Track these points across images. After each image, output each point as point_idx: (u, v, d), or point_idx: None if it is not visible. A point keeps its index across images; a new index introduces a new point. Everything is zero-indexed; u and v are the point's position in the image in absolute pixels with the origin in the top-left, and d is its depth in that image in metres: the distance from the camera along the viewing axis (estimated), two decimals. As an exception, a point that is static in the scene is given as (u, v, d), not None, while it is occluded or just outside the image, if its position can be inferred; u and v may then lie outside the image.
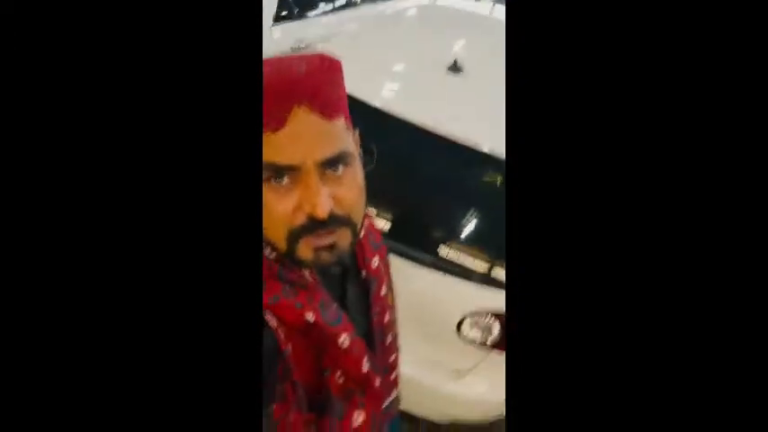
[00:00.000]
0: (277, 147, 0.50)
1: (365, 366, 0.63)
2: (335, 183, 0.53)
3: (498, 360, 1.52)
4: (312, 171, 0.51)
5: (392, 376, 0.77)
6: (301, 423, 0.59)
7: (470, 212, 1.58)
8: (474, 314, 1.45)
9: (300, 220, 0.52)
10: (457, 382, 1.56)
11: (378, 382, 0.65)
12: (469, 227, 1.56)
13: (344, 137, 0.54)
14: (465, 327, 1.46)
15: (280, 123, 0.49)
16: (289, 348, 0.57)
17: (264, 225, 0.54)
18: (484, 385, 1.56)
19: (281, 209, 0.52)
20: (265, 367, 0.54)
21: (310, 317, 0.58)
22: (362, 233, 0.67)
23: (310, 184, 0.51)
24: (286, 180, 0.51)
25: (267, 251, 0.58)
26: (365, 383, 0.63)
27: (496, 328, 1.45)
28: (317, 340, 0.59)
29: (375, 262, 0.70)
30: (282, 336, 0.57)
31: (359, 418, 0.63)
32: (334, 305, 0.61)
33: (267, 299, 0.56)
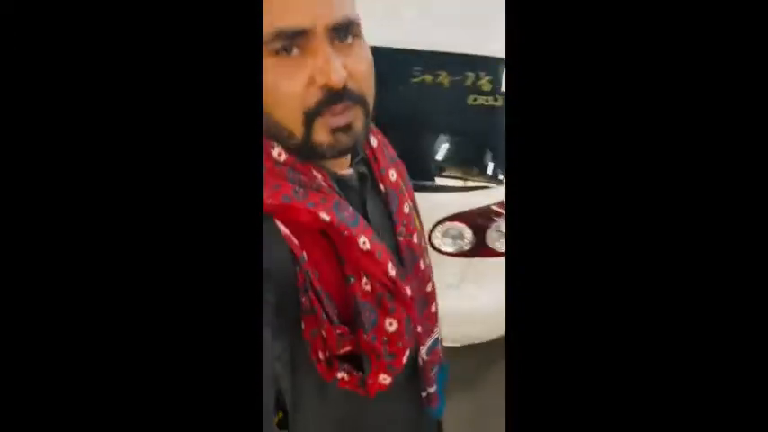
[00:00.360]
0: (285, 8, 0.48)
1: (391, 270, 0.58)
2: (346, 54, 0.51)
3: (487, 265, 1.40)
4: (323, 36, 0.49)
5: (432, 308, 0.72)
6: (334, 338, 0.57)
7: (438, 133, 1.45)
8: (441, 224, 1.34)
9: (314, 96, 0.50)
10: (456, 297, 1.46)
11: (409, 291, 0.61)
12: (439, 148, 1.44)
13: (350, 3, 0.51)
14: (436, 239, 1.35)
15: None
16: (304, 255, 0.55)
17: (276, 112, 0.52)
18: (484, 295, 1.46)
19: (292, 86, 0.50)
20: (282, 277, 0.53)
21: (325, 216, 0.54)
22: (376, 144, 0.65)
23: (322, 50, 0.49)
24: (295, 51, 0.49)
25: (276, 152, 0.55)
26: (394, 288, 0.59)
27: (468, 232, 1.33)
28: (335, 242, 0.56)
29: (393, 175, 0.66)
30: (297, 242, 0.55)
31: (391, 325, 0.59)
32: (351, 208, 0.58)
33: (278, 199, 0.53)
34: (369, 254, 0.57)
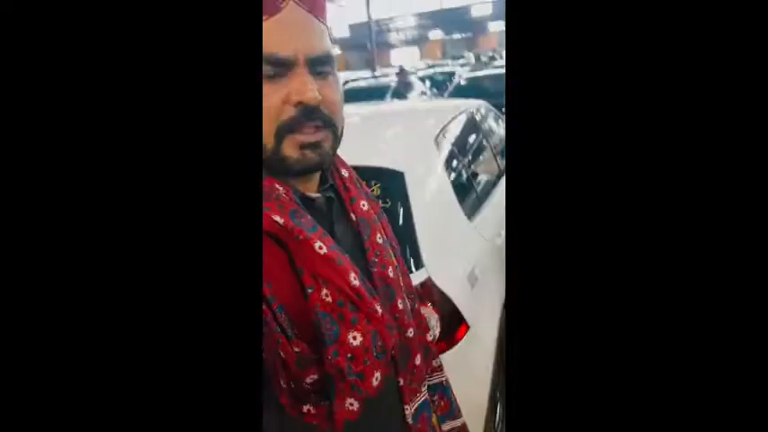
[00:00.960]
0: (271, 36, 0.52)
1: (354, 280, 0.56)
2: (321, 83, 0.55)
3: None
4: (302, 65, 0.54)
5: (417, 360, 0.65)
6: (293, 357, 0.53)
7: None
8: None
9: (288, 113, 0.54)
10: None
11: (379, 308, 0.57)
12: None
13: (329, 41, 0.57)
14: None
15: (274, 10, 0.52)
16: None
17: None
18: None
19: (269, 103, 0.53)
20: None
21: (278, 219, 0.54)
22: (347, 174, 0.67)
23: (301, 74, 0.54)
24: (276, 77, 0.53)
25: None
26: (357, 298, 0.56)
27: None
28: (290, 250, 0.54)
29: (365, 205, 0.65)
30: None
31: (355, 339, 0.55)
32: (310, 217, 0.56)
33: None
34: (327, 259, 0.54)
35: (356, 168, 1.48)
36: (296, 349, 0.53)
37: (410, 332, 0.65)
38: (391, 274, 0.63)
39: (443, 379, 0.77)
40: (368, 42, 16.15)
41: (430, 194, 1.53)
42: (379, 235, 0.65)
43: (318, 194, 0.61)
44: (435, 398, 0.74)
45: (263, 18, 0.52)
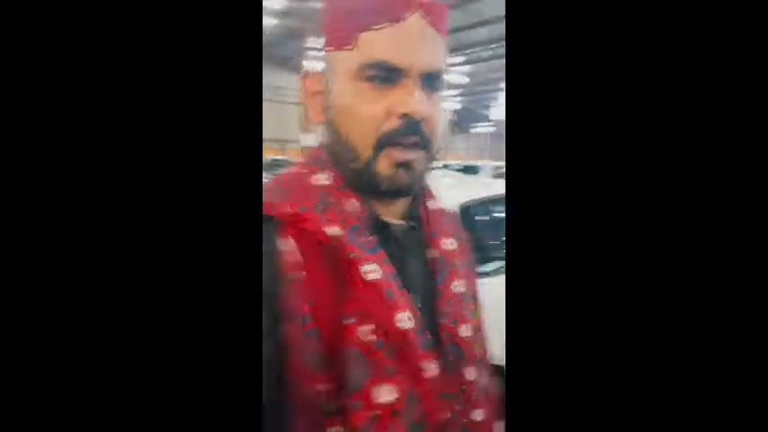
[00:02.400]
0: (389, 44, 0.50)
1: (403, 321, 0.48)
2: (427, 102, 0.52)
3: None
4: (414, 78, 0.51)
5: None
6: (313, 393, 0.45)
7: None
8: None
9: (392, 123, 0.51)
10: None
11: (431, 366, 0.49)
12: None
13: (444, 58, 0.54)
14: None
15: (398, 17, 0.50)
16: (296, 276, 0.47)
17: (349, 132, 0.52)
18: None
19: (373, 110, 0.51)
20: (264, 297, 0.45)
21: (333, 230, 0.50)
22: (435, 207, 0.60)
23: (409, 85, 0.50)
24: (384, 83, 0.51)
25: (319, 177, 0.54)
26: (401, 342, 0.48)
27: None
28: (337, 266, 0.49)
29: (449, 244, 0.58)
30: (298, 258, 0.48)
31: (385, 393, 0.46)
32: (371, 237, 0.51)
33: (294, 208, 0.51)
34: (372, 286, 0.48)
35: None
36: (319, 386, 0.46)
37: (477, 414, 0.54)
38: (463, 334, 0.54)
39: None
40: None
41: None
42: (458, 283, 0.57)
43: (400, 221, 0.55)
44: None
45: (383, 25, 0.49)
